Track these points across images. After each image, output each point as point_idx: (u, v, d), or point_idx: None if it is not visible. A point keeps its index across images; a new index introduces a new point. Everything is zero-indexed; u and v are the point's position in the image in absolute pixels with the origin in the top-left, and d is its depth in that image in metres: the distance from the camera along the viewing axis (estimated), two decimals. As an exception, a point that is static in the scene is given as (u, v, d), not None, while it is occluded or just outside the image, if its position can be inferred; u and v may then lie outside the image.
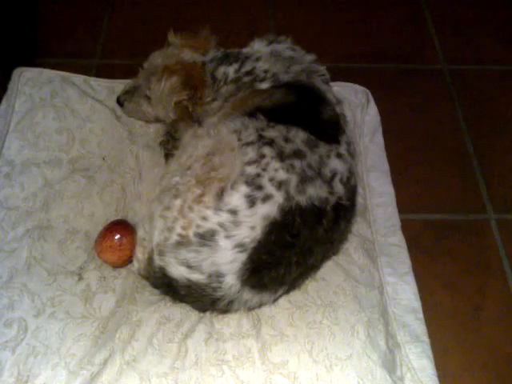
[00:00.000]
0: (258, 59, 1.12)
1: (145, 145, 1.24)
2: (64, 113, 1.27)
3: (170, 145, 1.19)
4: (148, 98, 1.18)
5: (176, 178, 0.98)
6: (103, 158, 1.21)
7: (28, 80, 1.33)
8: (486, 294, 1.11)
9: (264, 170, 0.92)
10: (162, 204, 0.97)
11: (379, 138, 1.30)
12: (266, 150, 0.94)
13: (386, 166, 1.25)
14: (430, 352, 0.99)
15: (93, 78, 1.39)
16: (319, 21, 1.65)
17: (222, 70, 1.13)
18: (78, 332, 0.97)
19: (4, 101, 1.29)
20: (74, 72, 1.38)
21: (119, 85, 1.33)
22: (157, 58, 1.18)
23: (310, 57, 1.15)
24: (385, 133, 1.32)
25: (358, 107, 1.34)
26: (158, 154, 1.22)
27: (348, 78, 1.40)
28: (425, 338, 1.00)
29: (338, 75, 1.30)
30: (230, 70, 1.12)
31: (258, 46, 1.17)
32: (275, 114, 1.01)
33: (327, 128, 1.03)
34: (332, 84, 1.17)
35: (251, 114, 1.01)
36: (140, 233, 1.02)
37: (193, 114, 1.15)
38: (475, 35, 1.63)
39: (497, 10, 1.70)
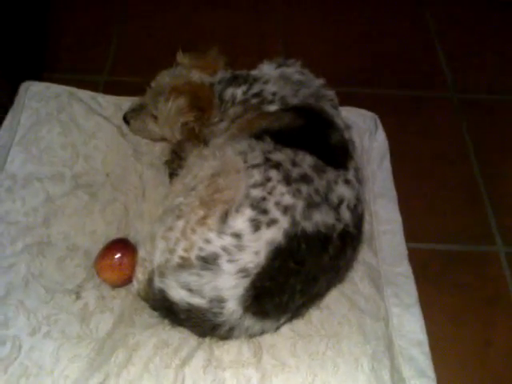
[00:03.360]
0: (266, 82, 1.13)
1: (149, 163, 1.24)
2: (69, 128, 1.27)
3: (175, 164, 1.19)
4: (154, 118, 1.19)
5: (180, 198, 0.98)
6: (107, 175, 1.21)
7: (35, 94, 1.34)
8: (495, 328, 1.09)
9: (270, 193, 0.91)
10: (165, 224, 0.96)
11: (387, 164, 1.30)
12: (273, 174, 0.94)
13: (394, 193, 1.25)
14: (435, 388, 0.97)
15: (100, 95, 1.39)
16: (329, 45, 1.67)
17: (230, 91, 1.14)
18: (73, 353, 0.95)
19: (10, 114, 1.30)
20: (81, 88, 1.39)
21: (126, 102, 1.34)
22: (165, 78, 1.19)
23: (319, 81, 1.15)
24: (392, 158, 1.32)
25: (366, 133, 1.34)
26: (163, 173, 1.22)
27: (357, 102, 1.41)
28: (430, 373, 0.98)
29: (346, 100, 1.30)
30: (238, 92, 1.13)
31: (267, 69, 1.17)
32: (282, 137, 1.01)
33: (335, 153, 1.03)
34: (340, 109, 1.17)
35: (258, 137, 1.01)
36: (141, 253, 1.01)
37: (199, 135, 1.16)
38: (486, 64, 1.64)
39: (508, 41, 1.72)
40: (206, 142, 1.15)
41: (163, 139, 1.25)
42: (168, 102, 1.11)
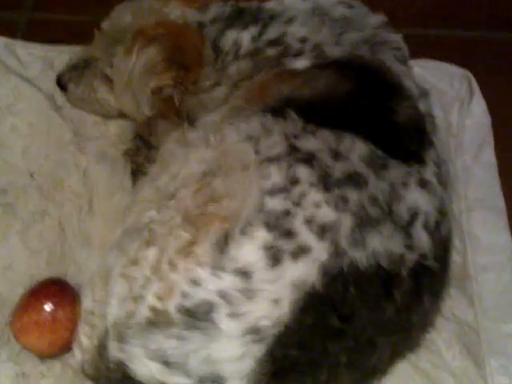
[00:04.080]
0: (290, 20, 1.14)
1: (100, 155, 1.26)
2: (-30, 98, 1.29)
3: (140, 156, 1.21)
4: (108, 80, 1.20)
5: (150, 212, 0.99)
6: (31, 175, 1.23)
7: None
8: None
9: (297, 204, 0.92)
10: (126, 255, 0.97)
11: (489, 155, 1.30)
12: (302, 172, 0.94)
13: (501, 202, 1.26)
14: None
15: (19, 42, 1.42)
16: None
17: (231, 36, 1.15)
18: None
19: None
20: (-11, 32, 1.41)
21: (61, 54, 1.36)
22: (125, 15, 1.20)
23: (377, 18, 1.16)
24: (498, 146, 1.32)
25: (455, 103, 1.35)
26: (122, 171, 1.23)
27: (439, 53, 1.41)
28: None
29: (422, 48, 1.30)
30: (245, 37, 1.14)
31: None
32: (317, 112, 1.02)
33: (404, 137, 1.03)
34: (413, 63, 1.18)
35: (278, 111, 1.02)
36: (86, 302, 1.02)
37: (181, 108, 1.17)
38: None
39: None
40: (191, 120, 1.15)
41: (122, 115, 1.26)
42: (130, 54, 1.12)
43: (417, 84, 1.12)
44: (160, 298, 0.90)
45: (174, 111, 1.17)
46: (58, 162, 1.25)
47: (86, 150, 1.27)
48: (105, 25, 1.22)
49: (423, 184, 0.99)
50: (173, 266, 0.91)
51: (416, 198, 0.98)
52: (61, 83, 1.27)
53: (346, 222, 0.91)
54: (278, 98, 1.05)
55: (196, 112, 1.16)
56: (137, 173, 1.19)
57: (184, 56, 1.13)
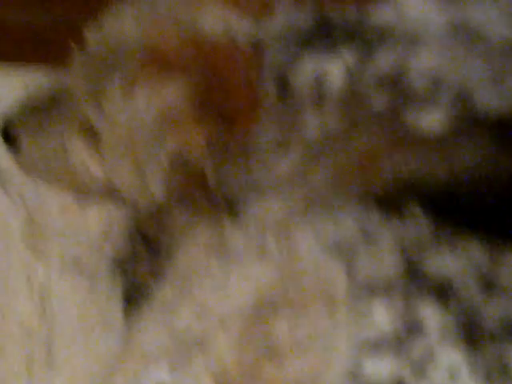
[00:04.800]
0: (415, 44, 1.17)
1: (69, 262, 1.29)
2: None
3: (141, 268, 1.23)
4: (93, 135, 1.24)
5: (158, 369, 1.02)
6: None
7: None
8: None
9: (419, 372, 0.94)
10: None
11: None
12: (428, 313, 0.97)
13: None
14: None
15: None
16: None
17: (310, 65, 1.19)
18: None
19: None
20: None
21: (11, 82, 1.43)
22: (126, 24, 1.25)
23: None
24: None
25: None
26: (105, 293, 1.27)
27: None
28: None
29: None
30: (335, 69, 1.17)
31: (417, 4, 1.22)
32: (460, 209, 1.05)
33: None
34: None
35: (390, 203, 1.05)
36: None
37: (216, 188, 1.19)
38: None
39: None
40: (234, 211, 1.19)
41: (110, 195, 1.29)
42: (134, 92, 1.17)
43: None
44: None
45: (204, 192, 1.20)
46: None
47: (45, 252, 1.30)
48: (92, 38, 1.27)
49: None
50: None
51: None
52: (8, 134, 1.31)
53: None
54: (391, 180, 1.08)
55: (243, 195, 1.19)
56: (134, 297, 1.22)
57: (227, 98, 1.17)
